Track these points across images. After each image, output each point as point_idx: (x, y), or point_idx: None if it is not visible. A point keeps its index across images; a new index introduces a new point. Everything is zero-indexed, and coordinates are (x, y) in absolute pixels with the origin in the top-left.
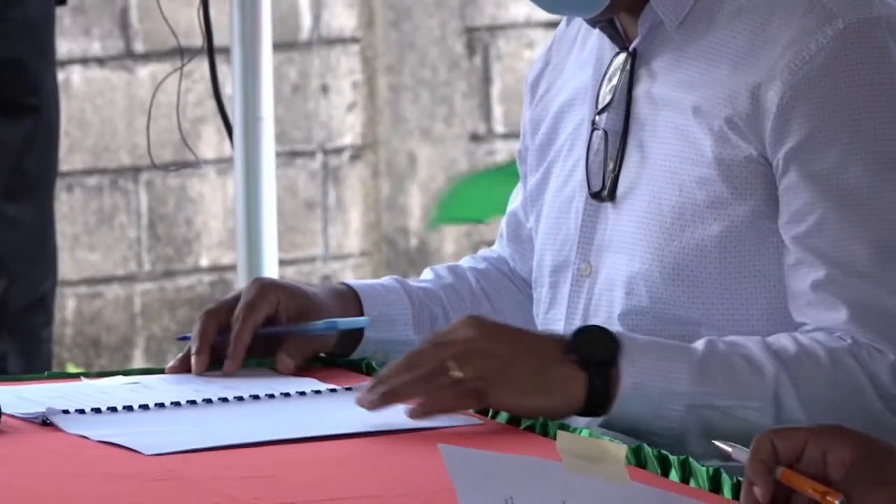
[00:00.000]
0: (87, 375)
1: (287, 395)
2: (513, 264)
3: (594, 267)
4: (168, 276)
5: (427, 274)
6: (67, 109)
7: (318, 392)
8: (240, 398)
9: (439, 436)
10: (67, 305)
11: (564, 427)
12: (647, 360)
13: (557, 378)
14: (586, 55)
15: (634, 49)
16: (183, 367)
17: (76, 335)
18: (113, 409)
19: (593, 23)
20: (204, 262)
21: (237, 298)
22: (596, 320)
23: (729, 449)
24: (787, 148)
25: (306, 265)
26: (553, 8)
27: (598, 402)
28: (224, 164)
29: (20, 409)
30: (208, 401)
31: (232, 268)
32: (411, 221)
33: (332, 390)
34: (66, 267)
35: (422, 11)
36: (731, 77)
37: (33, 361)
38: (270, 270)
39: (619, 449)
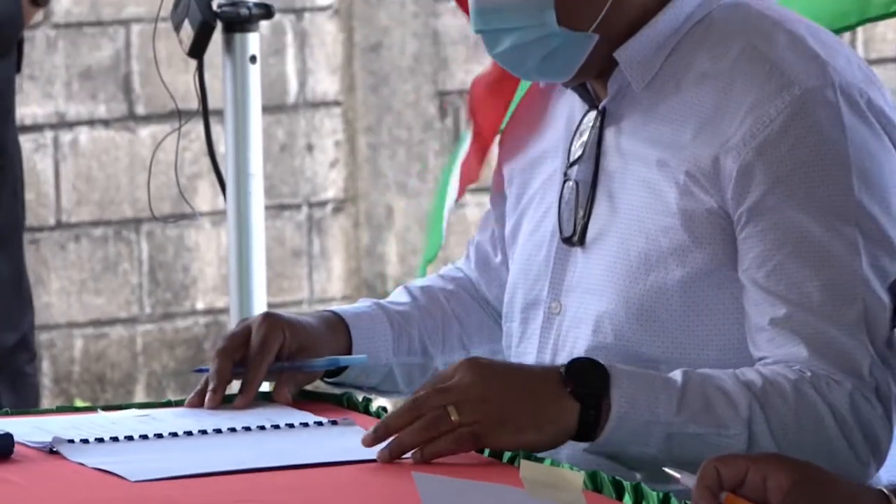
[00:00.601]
0: (105, 408)
1: (278, 426)
2: (479, 287)
3: (564, 306)
4: (167, 318)
5: (402, 295)
6: (75, 167)
7: (306, 424)
8: (233, 429)
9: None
10: (75, 345)
11: (528, 456)
12: (634, 390)
13: (552, 413)
14: (557, 112)
15: (604, 107)
16: (201, 401)
17: (83, 372)
18: (115, 439)
19: (565, 84)
20: (200, 305)
21: (246, 332)
22: (563, 354)
23: (678, 475)
24: (748, 204)
25: (293, 308)
26: (528, 76)
27: (587, 430)
28: (218, 216)
29: (33, 438)
30: (203, 431)
31: (225, 311)
32: (389, 268)
33: (319, 423)
34: (74, 310)
35: (398, 77)
36: (696, 138)
37: (22, 395)
38: (260, 313)
39: (576, 476)
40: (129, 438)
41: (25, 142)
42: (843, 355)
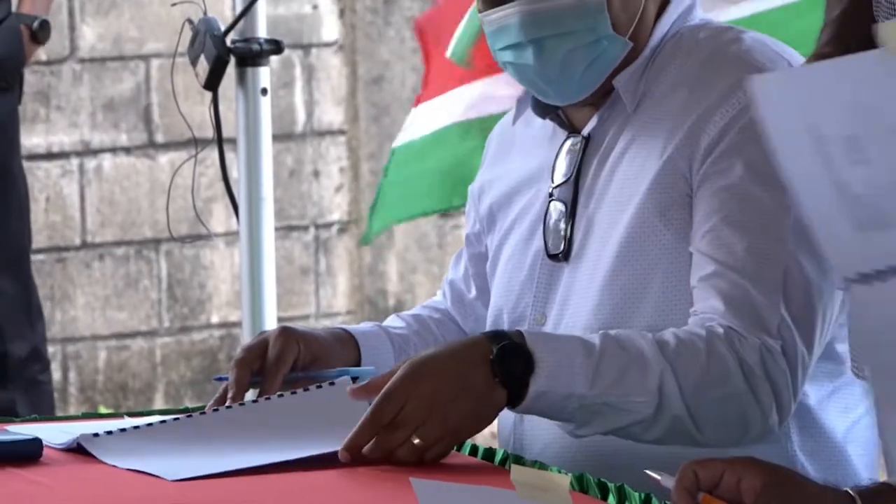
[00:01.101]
0: (130, 415)
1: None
2: (457, 321)
3: (547, 317)
4: (184, 331)
5: (397, 321)
6: (99, 191)
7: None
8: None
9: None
10: (99, 356)
11: (517, 460)
12: (556, 368)
13: (487, 414)
14: (535, 142)
15: (589, 133)
16: (220, 405)
17: (106, 381)
18: (136, 428)
19: (543, 114)
20: (214, 319)
21: (263, 344)
22: None
23: (658, 477)
24: (703, 171)
25: (301, 322)
26: (545, 97)
27: (510, 403)
28: (231, 236)
29: (59, 440)
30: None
31: (238, 324)
32: (389, 285)
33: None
34: (98, 324)
35: (398, 108)
36: (670, 135)
37: (37, 402)
38: (270, 327)
39: (563, 479)
40: (150, 425)
41: (53, 168)
42: (756, 313)
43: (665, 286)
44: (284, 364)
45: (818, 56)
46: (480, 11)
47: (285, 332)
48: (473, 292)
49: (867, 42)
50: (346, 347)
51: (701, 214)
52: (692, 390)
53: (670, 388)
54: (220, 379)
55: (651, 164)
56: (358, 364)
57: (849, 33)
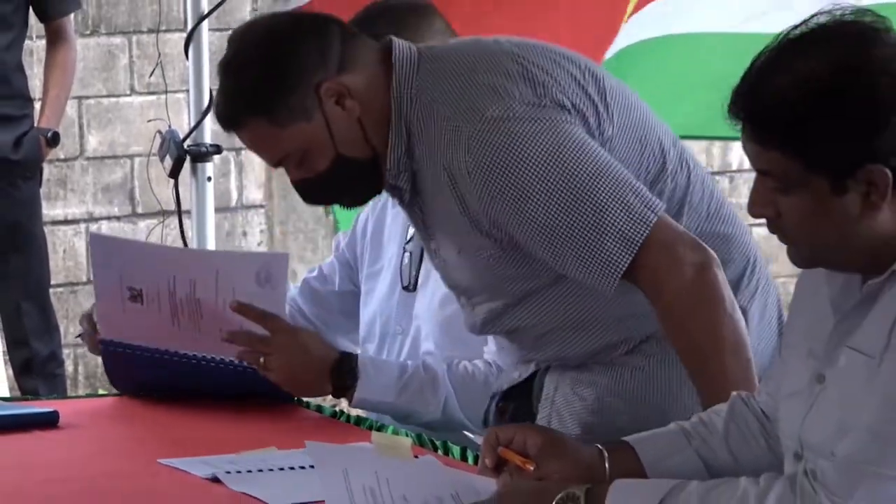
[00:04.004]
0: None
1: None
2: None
3: (404, 328)
4: None
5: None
6: None
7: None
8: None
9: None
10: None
11: (378, 427)
12: (370, 386)
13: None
14: (396, 212)
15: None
16: None
17: (104, 372)
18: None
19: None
20: None
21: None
22: (408, 349)
23: (471, 436)
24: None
25: None
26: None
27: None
28: None
29: (204, 472)
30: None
31: None
32: None
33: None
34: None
35: None
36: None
37: (53, 387)
38: None
39: (406, 439)
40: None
41: (68, 230)
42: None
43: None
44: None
45: None
46: None
47: None
48: (328, 287)
49: None
50: None
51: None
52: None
53: (453, 403)
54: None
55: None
56: None
57: None
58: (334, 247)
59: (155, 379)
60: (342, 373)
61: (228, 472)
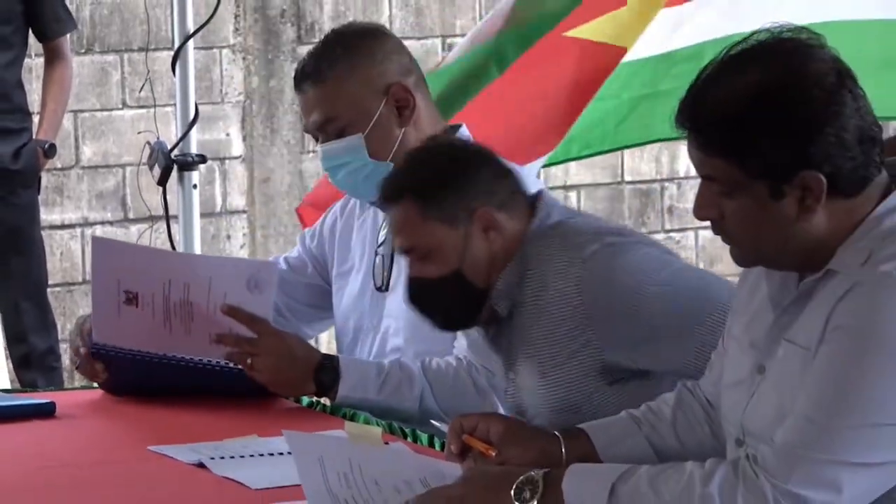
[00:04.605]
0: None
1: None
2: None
3: (375, 325)
4: None
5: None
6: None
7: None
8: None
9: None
10: None
11: (352, 417)
12: (351, 385)
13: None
14: (367, 214)
15: None
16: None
17: None
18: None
19: (370, 203)
20: None
21: None
22: (377, 345)
23: (438, 424)
24: None
25: None
26: (357, 196)
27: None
28: None
29: (189, 457)
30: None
31: None
32: None
33: None
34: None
35: (279, 198)
36: None
37: (51, 380)
38: None
39: (377, 428)
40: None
41: (65, 234)
42: None
43: None
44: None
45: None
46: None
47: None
48: (297, 277)
49: None
50: None
51: None
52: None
53: (429, 398)
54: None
55: None
56: None
57: None
58: (300, 241)
59: (144, 381)
60: (325, 373)
61: (213, 458)
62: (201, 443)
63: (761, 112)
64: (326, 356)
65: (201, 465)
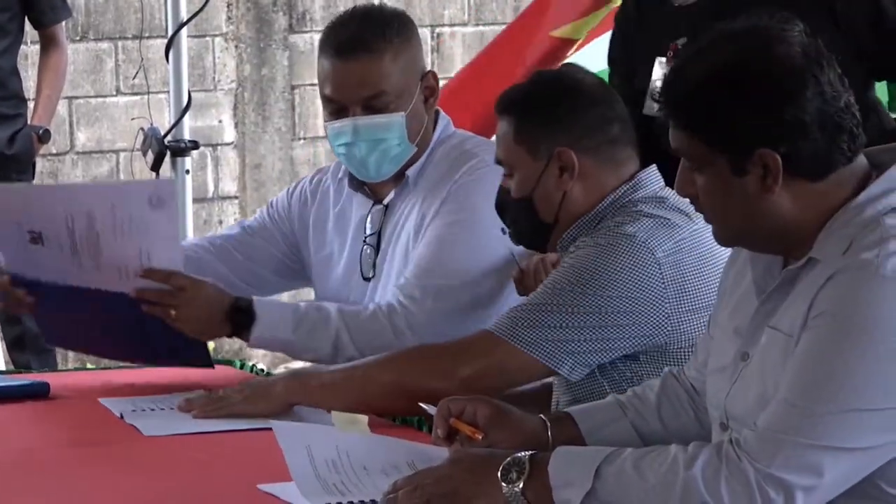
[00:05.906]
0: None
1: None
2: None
3: None
4: None
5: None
6: None
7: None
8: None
9: None
10: None
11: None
12: (266, 324)
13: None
14: (345, 205)
15: (387, 203)
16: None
17: None
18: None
19: (357, 188)
20: None
21: None
22: None
23: (426, 408)
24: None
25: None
26: (363, 176)
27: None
28: None
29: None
30: None
31: None
32: None
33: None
34: None
35: (270, 183)
36: (429, 208)
37: (45, 361)
38: None
39: (364, 416)
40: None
41: None
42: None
43: None
44: None
45: None
46: (326, 121)
47: None
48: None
49: None
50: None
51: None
52: (365, 348)
53: (346, 342)
54: None
55: (419, 223)
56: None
57: None
58: (265, 212)
59: (73, 325)
60: (239, 314)
61: (134, 410)
62: (148, 396)
63: (722, 88)
64: (241, 298)
65: (122, 417)
